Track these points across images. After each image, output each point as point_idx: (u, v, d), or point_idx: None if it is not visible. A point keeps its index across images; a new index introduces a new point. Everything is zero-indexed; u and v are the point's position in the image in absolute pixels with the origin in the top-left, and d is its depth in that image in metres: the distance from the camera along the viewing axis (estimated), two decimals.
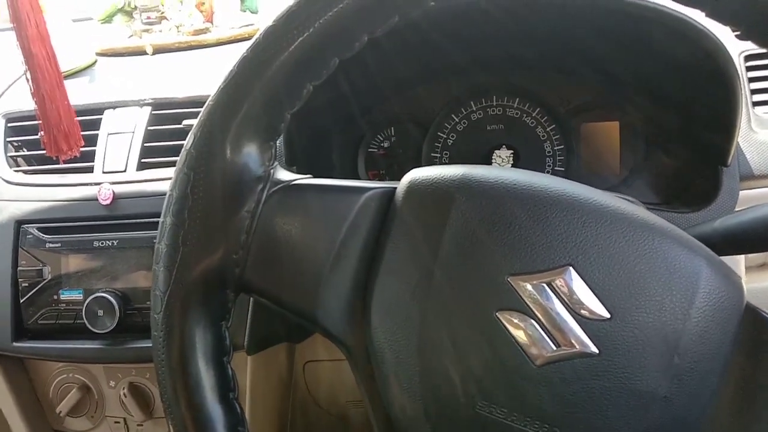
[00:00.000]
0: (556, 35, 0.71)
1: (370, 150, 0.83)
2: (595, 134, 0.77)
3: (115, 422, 0.80)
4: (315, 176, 0.43)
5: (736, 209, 0.66)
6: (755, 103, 0.72)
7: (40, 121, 0.63)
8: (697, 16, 0.57)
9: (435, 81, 0.80)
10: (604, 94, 0.76)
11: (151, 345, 0.40)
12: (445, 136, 0.80)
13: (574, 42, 0.72)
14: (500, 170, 0.40)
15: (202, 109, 0.40)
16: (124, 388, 0.78)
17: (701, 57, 0.59)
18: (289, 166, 0.72)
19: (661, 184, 0.75)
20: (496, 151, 0.79)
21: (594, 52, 0.72)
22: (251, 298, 0.68)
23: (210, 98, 0.39)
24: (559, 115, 0.77)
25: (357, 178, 0.82)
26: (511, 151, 0.79)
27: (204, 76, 0.81)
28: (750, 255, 0.70)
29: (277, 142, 0.42)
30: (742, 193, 0.67)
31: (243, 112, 0.38)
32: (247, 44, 0.39)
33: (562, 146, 0.77)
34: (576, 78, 0.77)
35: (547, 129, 0.78)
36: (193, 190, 0.39)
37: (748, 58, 0.72)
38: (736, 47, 0.71)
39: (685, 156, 0.72)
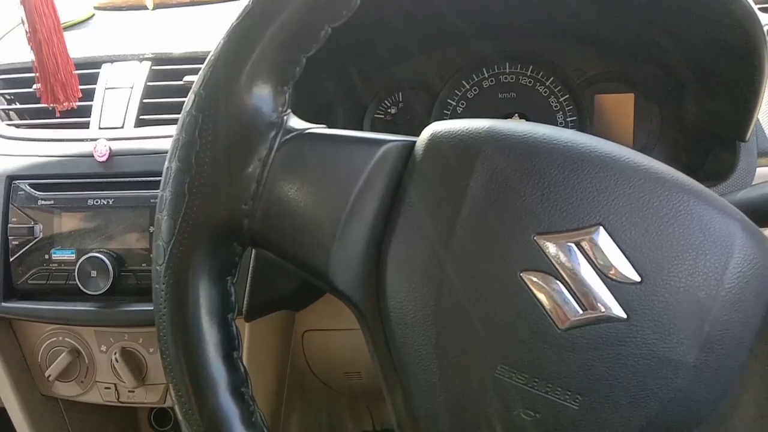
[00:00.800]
0: (574, 4, 0.69)
1: (376, 116, 0.80)
2: (609, 106, 0.75)
3: (106, 388, 0.78)
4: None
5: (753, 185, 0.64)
6: None
7: (37, 70, 0.60)
8: None
9: (447, 47, 0.77)
10: (620, 64, 0.74)
11: (145, 309, 0.38)
12: (454, 104, 0.78)
13: (592, 12, 0.69)
14: (529, 125, 0.38)
15: (211, 50, 0.37)
16: (115, 353, 0.75)
17: (728, 23, 0.57)
18: None
19: (675, 159, 0.73)
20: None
21: (612, 23, 0.70)
22: (251, 262, 0.66)
23: (222, 36, 0.37)
24: (573, 85, 0.75)
25: None
26: (523, 120, 0.77)
27: (206, 32, 0.78)
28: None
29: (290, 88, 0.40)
30: (759, 170, 0.65)
31: (257, 52, 0.36)
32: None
33: (574, 117, 0.75)
34: (592, 48, 0.74)
35: (560, 99, 0.76)
36: (201, 133, 0.36)
37: None
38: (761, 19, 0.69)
39: (702, 130, 0.70)
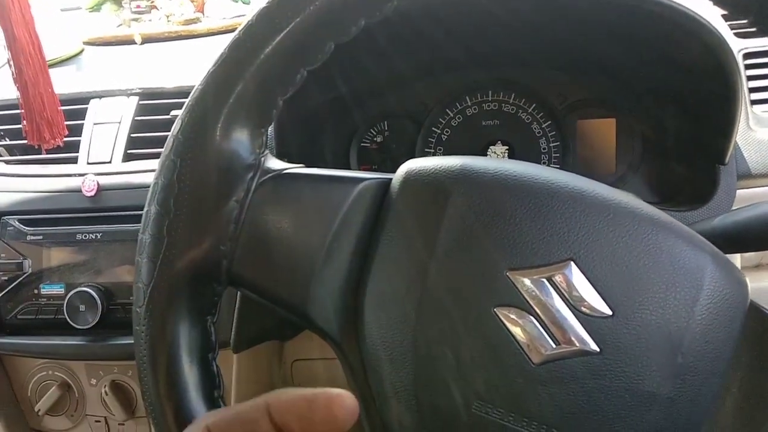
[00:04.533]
0: (554, 31, 0.70)
1: (362, 144, 0.81)
2: (591, 131, 0.76)
3: (96, 421, 0.78)
4: (307, 167, 0.42)
5: (733, 208, 0.65)
6: (753, 102, 0.71)
7: (23, 109, 0.61)
8: (699, 10, 0.56)
9: (431, 76, 0.79)
10: (600, 90, 0.75)
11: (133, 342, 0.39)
12: (439, 131, 0.79)
13: (572, 38, 0.71)
14: (499, 161, 0.39)
15: (190, 95, 0.38)
16: (105, 386, 0.75)
17: (702, 51, 0.58)
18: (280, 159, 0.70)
19: (657, 183, 0.74)
20: (491, 147, 0.78)
21: (591, 48, 0.71)
22: (238, 294, 0.66)
23: (199, 81, 0.38)
24: (555, 111, 0.76)
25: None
26: (506, 147, 0.78)
27: (193, 66, 0.79)
28: (746, 255, 0.69)
29: (269, 132, 0.41)
30: (739, 192, 0.66)
31: (234, 97, 0.37)
32: None
33: (557, 143, 0.76)
34: (573, 74, 0.76)
35: (543, 125, 0.77)
36: (180, 177, 0.37)
37: (747, 56, 0.71)
38: (735, 45, 0.71)
39: (682, 154, 0.71)
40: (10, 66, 0.59)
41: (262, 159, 0.40)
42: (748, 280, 0.69)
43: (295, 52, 0.37)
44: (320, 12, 0.36)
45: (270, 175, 0.40)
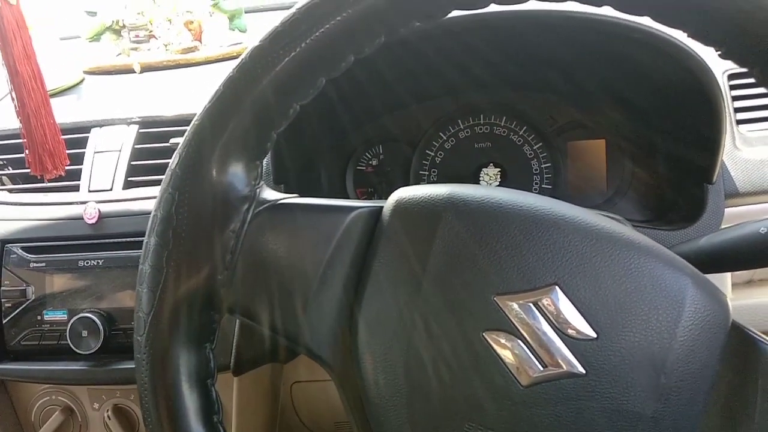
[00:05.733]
0: (543, 55, 0.72)
1: (358, 168, 0.83)
2: (581, 152, 0.78)
3: None
4: (302, 195, 0.43)
5: (722, 227, 0.66)
6: (739, 121, 0.72)
7: (25, 140, 0.62)
8: (681, 36, 0.58)
9: (425, 100, 0.80)
10: (590, 113, 0.77)
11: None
12: (433, 154, 0.80)
13: (561, 62, 0.72)
14: (487, 189, 0.40)
15: (187, 129, 0.40)
16: (108, 411, 0.76)
17: (685, 76, 0.60)
18: (277, 185, 0.71)
19: (647, 202, 0.76)
20: (484, 169, 0.79)
21: (580, 72, 0.73)
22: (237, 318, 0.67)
23: (196, 118, 0.39)
24: (546, 133, 0.78)
25: (345, 195, 0.82)
26: (499, 169, 0.79)
27: (192, 94, 0.81)
28: (736, 272, 0.71)
29: (264, 160, 0.42)
30: (727, 210, 0.67)
31: (229, 132, 0.38)
32: (235, 63, 0.39)
33: (549, 164, 0.78)
34: (562, 97, 0.77)
35: (534, 147, 0.78)
36: (178, 210, 0.38)
37: (731, 76, 0.73)
38: (720, 66, 0.72)
39: (671, 174, 0.73)
40: (12, 99, 0.60)
41: (258, 190, 0.41)
42: (739, 296, 0.70)
43: (287, 88, 0.38)
44: (311, 49, 0.37)
45: (265, 205, 0.41)
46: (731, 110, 0.72)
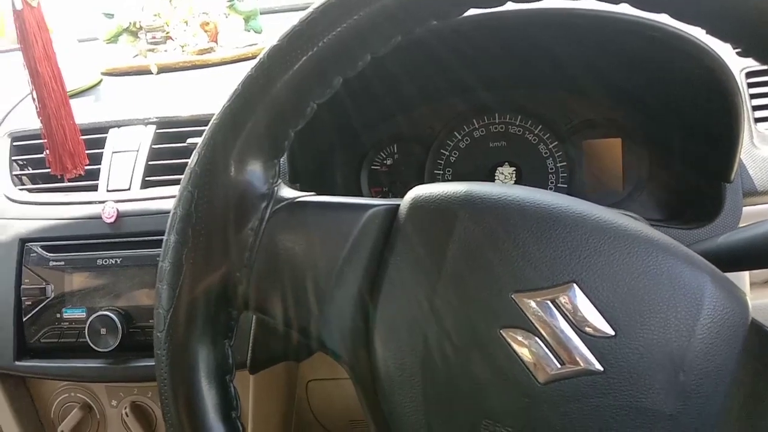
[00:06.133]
0: (559, 53, 0.71)
1: (372, 167, 0.83)
2: (597, 151, 0.77)
3: None
4: (318, 193, 0.43)
5: (740, 225, 0.66)
6: (757, 120, 0.72)
7: (46, 140, 0.63)
8: (699, 33, 0.58)
9: (439, 99, 0.80)
10: (606, 111, 0.76)
11: (153, 364, 0.40)
12: (447, 153, 0.80)
13: (577, 60, 0.72)
14: (504, 187, 0.40)
15: (206, 128, 0.40)
16: (126, 408, 0.77)
17: (703, 74, 0.59)
18: (293, 184, 0.72)
19: (664, 201, 0.75)
20: (499, 168, 0.79)
21: (596, 70, 0.73)
22: (254, 317, 0.68)
23: (214, 117, 0.40)
24: (561, 132, 0.78)
25: (360, 195, 0.82)
26: (514, 168, 0.79)
27: (208, 95, 0.81)
28: (754, 271, 0.70)
29: (281, 159, 0.43)
30: (745, 209, 0.67)
31: (247, 131, 0.39)
32: (252, 63, 0.39)
33: (564, 163, 0.78)
34: (578, 95, 0.77)
35: (550, 146, 0.78)
36: (197, 208, 0.39)
37: (749, 74, 0.72)
38: (738, 64, 0.72)
39: (689, 172, 0.72)
40: (33, 100, 0.61)
41: (275, 188, 0.42)
42: (758, 295, 0.70)
43: (304, 87, 0.39)
44: (328, 49, 0.38)
45: (283, 203, 0.41)
46: (749, 108, 0.71)
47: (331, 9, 0.37)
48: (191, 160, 0.40)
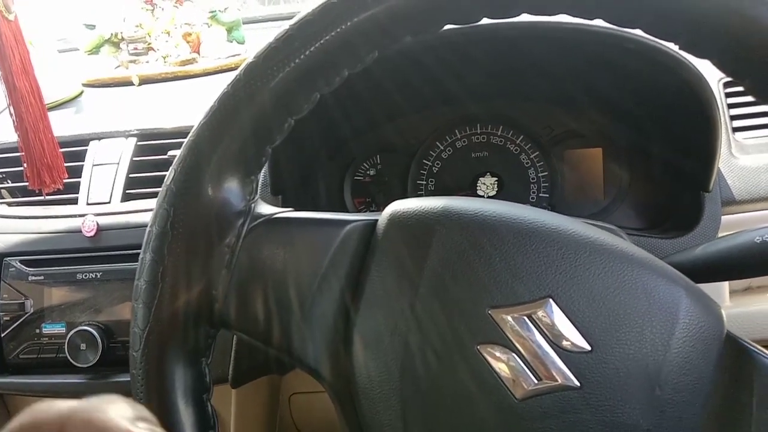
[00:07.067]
0: (539, 65, 0.72)
1: (356, 178, 0.83)
2: (578, 161, 0.78)
3: None
4: (300, 205, 0.43)
5: (719, 234, 0.66)
6: (735, 129, 0.72)
7: (23, 154, 0.63)
8: (674, 45, 0.58)
9: (422, 110, 0.80)
10: (586, 122, 0.77)
11: None
12: (430, 164, 0.80)
13: (557, 72, 0.73)
14: (480, 202, 0.40)
15: (182, 144, 0.40)
16: None
17: (680, 85, 0.60)
18: (275, 195, 0.72)
19: (644, 210, 0.76)
20: (481, 179, 0.79)
21: (576, 82, 0.73)
22: None
23: (190, 134, 0.39)
24: (543, 142, 0.78)
25: (343, 205, 0.82)
26: (496, 178, 0.79)
27: (190, 106, 0.81)
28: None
29: (262, 172, 0.42)
30: (724, 218, 0.67)
31: (223, 148, 0.38)
32: (232, 76, 0.39)
33: (546, 173, 0.78)
34: (559, 106, 0.77)
35: (531, 156, 0.78)
36: (173, 226, 0.38)
37: (727, 84, 0.73)
38: (716, 75, 0.72)
39: (667, 182, 0.73)
40: (10, 114, 0.61)
41: (253, 205, 0.41)
42: (737, 303, 0.70)
43: (281, 104, 0.38)
44: (304, 66, 0.37)
45: (260, 220, 0.41)
46: (727, 118, 0.72)
47: (307, 26, 0.37)
48: (167, 177, 0.40)
